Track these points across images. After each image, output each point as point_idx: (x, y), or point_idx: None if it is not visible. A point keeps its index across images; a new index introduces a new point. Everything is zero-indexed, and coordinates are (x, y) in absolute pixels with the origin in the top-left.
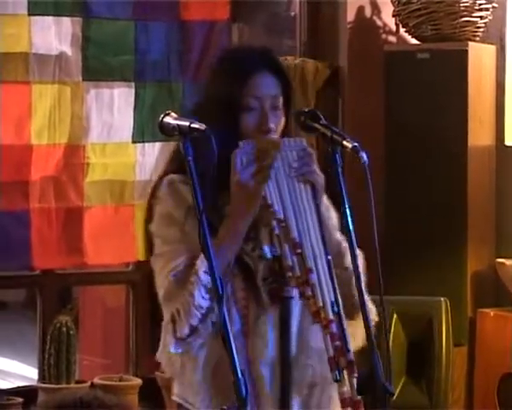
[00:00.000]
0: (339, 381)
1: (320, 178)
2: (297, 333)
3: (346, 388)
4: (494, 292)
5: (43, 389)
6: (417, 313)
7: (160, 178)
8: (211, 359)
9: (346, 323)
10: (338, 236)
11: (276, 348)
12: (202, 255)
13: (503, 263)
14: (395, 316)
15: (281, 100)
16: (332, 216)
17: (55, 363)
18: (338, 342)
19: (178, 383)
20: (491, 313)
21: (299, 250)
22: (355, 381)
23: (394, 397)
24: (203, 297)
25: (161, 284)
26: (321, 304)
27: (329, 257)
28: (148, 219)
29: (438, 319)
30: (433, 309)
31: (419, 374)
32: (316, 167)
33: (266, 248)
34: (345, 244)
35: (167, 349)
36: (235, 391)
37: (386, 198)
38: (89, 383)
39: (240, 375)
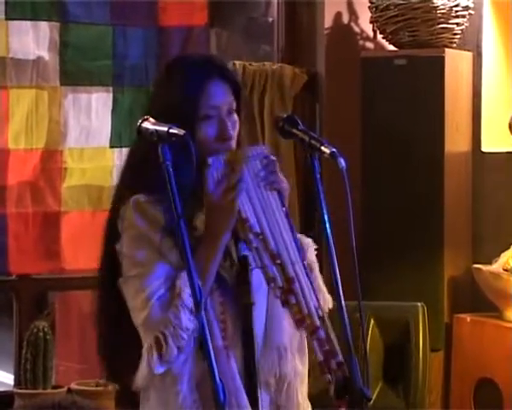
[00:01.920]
0: (331, 383)
1: (285, 184)
2: (263, 334)
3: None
4: (470, 297)
5: (20, 394)
6: (394, 318)
7: (123, 197)
8: (195, 372)
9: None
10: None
11: (241, 353)
12: (182, 276)
13: (479, 269)
14: (372, 321)
15: (234, 105)
16: None
17: (31, 368)
18: (326, 347)
19: (154, 402)
20: (468, 319)
21: (278, 261)
22: (299, 394)
23: (371, 402)
24: (189, 319)
25: (140, 308)
26: (306, 312)
27: (305, 262)
28: (112, 238)
29: (415, 324)
30: (410, 314)
31: (396, 379)
32: (280, 174)
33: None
34: (303, 240)
35: (151, 372)
36: (214, 397)
37: (363, 203)
38: (65, 389)
39: (218, 381)
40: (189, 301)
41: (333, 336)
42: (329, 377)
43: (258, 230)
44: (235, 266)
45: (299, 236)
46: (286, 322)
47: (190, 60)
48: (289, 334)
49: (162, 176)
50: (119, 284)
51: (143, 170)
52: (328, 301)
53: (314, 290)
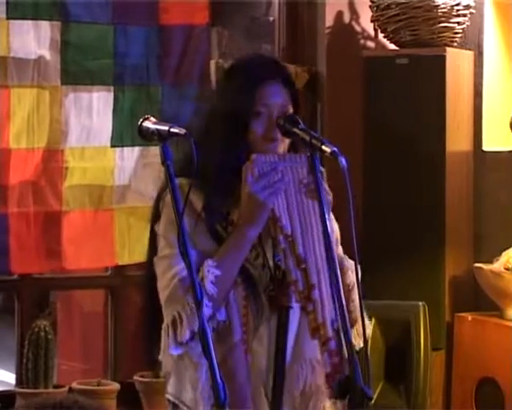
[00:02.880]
0: (335, 397)
1: (329, 196)
2: (293, 343)
3: (341, 403)
4: (472, 297)
5: (21, 393)
6: (396, 317)
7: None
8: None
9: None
10: (340, 251)
11: (271, 356)
12: (209, 263)
13: (480, 268)
14: (373, 320)
15: (290, 110)
16: (334, 229)
17: (32, 367)
18: (335, 360)
19: (175, 383)
20: (469, 318)
21: (303, 265)
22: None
23: (373, 401)
24: (206, 305)
25: (165, 286)
26: (321, 321)
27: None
28: (154, 218)
29: (416, 324)
30: (411, 314)
31: (397, 378)
32: (325, 185)
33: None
34: (346, 262)
35: (167, 351)
36: (214, 396)
37: (365, 203)
38: (67, 388)
39: (219, 379)
40: (211, 288)
41: (345, 352)
42: (333, 391)
43: (288, 231)
44: (268, 267)
45: (341, 254)
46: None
47: (252, 60)
48: (314, 344)
49: (207, 162)
50: (154, 262)
51: (186, 155)
52: (369, 329)
53: (335, 305)
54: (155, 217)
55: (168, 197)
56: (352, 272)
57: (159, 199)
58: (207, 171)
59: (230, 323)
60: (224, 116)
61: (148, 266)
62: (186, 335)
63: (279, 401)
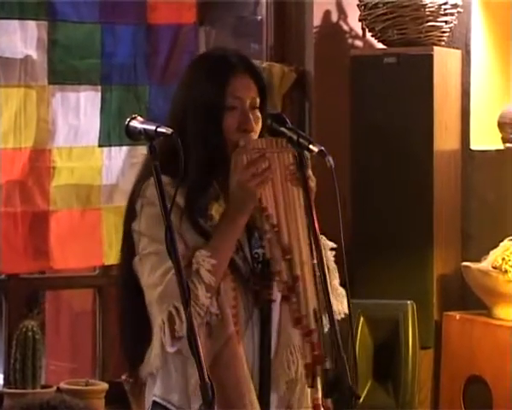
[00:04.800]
0: (313, 387)
1: (313, 183)
2: (277, 333)
3: (319, 395)
4: (460, 295)
5: (9, 394)
6: (384, 316)
7: (144, 178)
8: (206, 358)
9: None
10: (328, 253)
11: (256, 349)
12: (201, 253)
13: (468, 267)
14: (362, 319)
15: (258, 101)
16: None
17: (20, 368)
18: (316, 352)
19: (163, 384)
20: (457, 316)
21: (288, 256)
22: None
23: (361, 400)
24: (205, 295)
25: (156, 283)
26: (304, 313)
27: (315, 261)
28: (131, 217)
29: (404, 322)
30: (399, 312)
31: (385, 377)
32: (310, 172)
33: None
34: (324, 241)
35: (164, 349)
36: (202, 395)
37: (353, 202)
38: (55, 388)
39: (206, 379)
40: (208, 277)
41: (326, 343)
42: (311, 382)
43: (274, 221)
44: (247, 261)
45: (329, 255)
46: None
47: (218, 53)
48: (297, 333)
49: (185, 161)
50: (134, 262)
51: (166, 154)
52: (344, 307)
53: (318, 294)
54: (132, 215)
55: (149, 193)
56: (328, 252)
57: (134, 197)
58: (185, 166)
59: (223, 315)
60: (196, 110)
61: (124, 267)
62: (185, 329)
63: (267, 393)
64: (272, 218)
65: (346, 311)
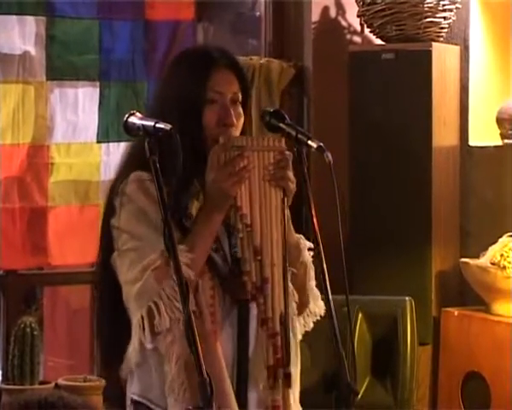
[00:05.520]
0: (273, 389)
1: (292, 185)
2: (256, 331)
3: (279, 397)
4: (458, 292)
5: (7, 390)
6: (382, 312)
7: (123, 175)
8: (182, 355)
9: (291, 335)
10: (305, 253)
11: (235, 349)
12: (179, 248)
13: (467, 263)
14: (360, 315)
15: (240, 97)
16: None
17: (18, 364)
18: (279, 355)
19: (141, 381)
20: (456, 313)
21: (259, 257)
22: (291, 396)
23: (359, 396)
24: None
25: (134, 279)
26: (269, 315)
27: (288, 267)
28: (109, 213)
29: (403, 319)
30: (397, 308)
31: (384, 373)
32: (290, 173)
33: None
34: (303, 241)
35: (143, 345)
36: (200, 391)
37: (351, 197)
38: (53, 384)
39: (205, 375)
40: (186, 271)
41: (292, 348)
42: (272, 383)
43: (248, 221)
44: (228, 260)
45: (297, 236)
46: None
47: (199, 49)
48: (291, 332)
49: (164, 158)
50: (113, 258)
51: (141, 151)
52: (320, 308)
53: (286, 299)
54: (111, 212)
55: (128, 190)
56: (307, 252)
57: (113, 194)
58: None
59: (200, 313)
60: (177, 105)
61: (102, 264)
62: (166, 323)
63: (244, 392)
64: (246, 217)
65: (322, 313)
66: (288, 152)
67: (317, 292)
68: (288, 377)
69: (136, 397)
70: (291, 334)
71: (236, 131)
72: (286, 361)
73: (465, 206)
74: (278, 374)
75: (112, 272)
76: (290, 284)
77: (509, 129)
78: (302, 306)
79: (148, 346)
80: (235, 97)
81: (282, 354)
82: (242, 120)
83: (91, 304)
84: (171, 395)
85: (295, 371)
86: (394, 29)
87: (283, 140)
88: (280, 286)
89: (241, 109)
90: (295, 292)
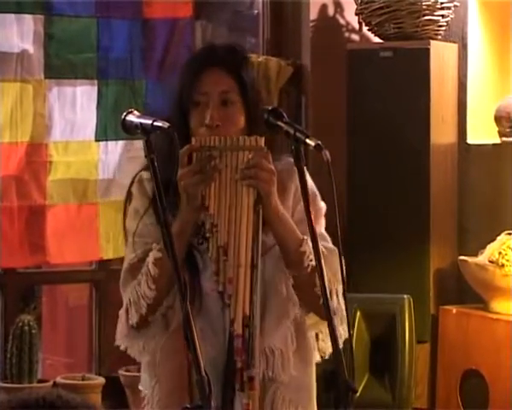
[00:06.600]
0: (242, 391)
1: (266, 185)
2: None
3: (247, 400)
4: (456, 289)
5: (5, 388)
6: (380, 310)
7: (137, 172)
8: (160, 350)
9: (256, 336)
10: (301, 233)
11: (219, 346)
12: (153, 246)
13: (465, 261)
14: (358, 313)
15: (234, 95)
16: (300, 209)
17: (17, 362)
18: (243, 357)
19: (141, 376)
20: (454, 310)
21: (224, 257)
22: (256, 397)
23: (357, 394)
24: (149, 287)
25: (123, 271)
26: (232, 316)
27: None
28: (124, 212)
29: (401, 317)
30: (396, 306)
31: (382, 371)
32: (263, 173)
33: None
34: (308, 245)
35: (121, 337)
36: (199, 389)
37: (349, 195)
38: (51, 383)
39: (203, 373)
40: (152, 270)
41: (256, 351)
42: (238, 386)
43: (215, 221)
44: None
45: (302, 239)
46: (283, 324)
47: (196, 51)
48: (284, 335)
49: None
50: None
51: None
52: (345, 330)
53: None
54: (125, 211)
55: (133, 189)
56: (312, 256)
57: (127, 194)
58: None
59: (174, 309)
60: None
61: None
62: (135, 319)
63: (228, 391)
64: (213, 217)
65: (347, 335)
66: (264, 150)
67: (342, 313)
68: (251, 381)
69: (142, 389)
70: (290, 339)
71: (225, 131)
72: (250, 364)
73: (463, 204)
74: (242, 377)
75: None
76: (284, 288)
77: (507, 127)
78: (322, 313)
79: (125, 339)
80: (224, 97)
81: (244, 356)
82: (238, 119)
83: (90, 302)
84: (157, 392)
85: (303, 376)
86: (392, 27)
87: (263, 139)
88: (245, 288)
89: (233, 108)
90: (296, 297)
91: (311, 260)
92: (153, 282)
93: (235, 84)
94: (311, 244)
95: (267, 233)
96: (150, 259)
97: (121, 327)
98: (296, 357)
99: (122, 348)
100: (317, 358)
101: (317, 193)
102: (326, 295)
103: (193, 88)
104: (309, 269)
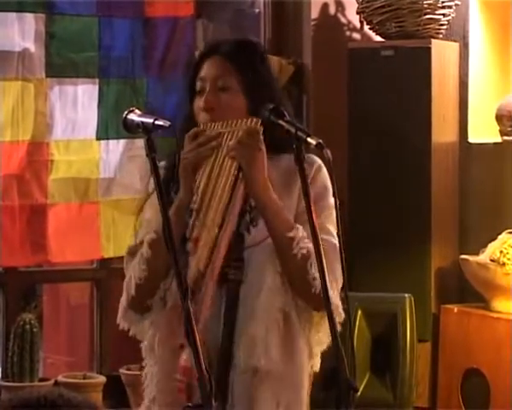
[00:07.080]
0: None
1: (245, 158)
2: (242, 320)
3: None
4: (458, 288)
5: (6, 387)
6: (382, 309)
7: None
8: (159, 331)
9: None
10: (295, 222)
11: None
12: (151, 229)
13: (466, 259)
14: (359, 312)
15: (231, 81)
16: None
17: (18, 361)
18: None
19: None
20: (455, 309)
21: (195, 218)
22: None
23: (358, 393)
24: (140, 268)
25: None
26: (189, 274)
27: None
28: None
29: (402, 316)
30: (397, 305)
31: (383, 370)
32: (245, 147)
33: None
34: (299, 232)
35: (122, 313)
36: (200, 387)
37: (350, 194)
38: (52, 381)
39: (205, 371)
40: (144, 251)
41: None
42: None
43: (195, 206)
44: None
45: (295, 227)
46: (267, 314)
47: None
48: (267, 324)
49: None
50: None
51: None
52: (338, 308)
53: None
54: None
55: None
56: (304, 244)
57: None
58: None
59: (171, 290)
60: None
61: None
62: (124, 300)
63: (225, 380)
64: (194, 203)
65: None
66: (257, 129)
67: (336, 301)
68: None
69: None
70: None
71: (218, 115)
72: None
73: (464, 202)
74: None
75: None
76: (271, 279)
77: (509, 126)
78: (313, 302)
79: (123, 322)
80: (220, 82)
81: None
82: (234, 103)
83: (91, 301)
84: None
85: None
86: (394, 26)
87: (259, 121)
88: (206, 247)
89: (229, 93)
90: (285, 288)
91: (301, 248)
92: (144, 262)
93: (234, 70)
94: (305, 234)
95: (258, 226)
96: (146, 240)
97: (121, 309)
98: (280, 348)
99: (125, 328)
100: (315, 363)
101: (330, 188)
102: (327, 293)
103: (195, 77)
104: (298, 256)
